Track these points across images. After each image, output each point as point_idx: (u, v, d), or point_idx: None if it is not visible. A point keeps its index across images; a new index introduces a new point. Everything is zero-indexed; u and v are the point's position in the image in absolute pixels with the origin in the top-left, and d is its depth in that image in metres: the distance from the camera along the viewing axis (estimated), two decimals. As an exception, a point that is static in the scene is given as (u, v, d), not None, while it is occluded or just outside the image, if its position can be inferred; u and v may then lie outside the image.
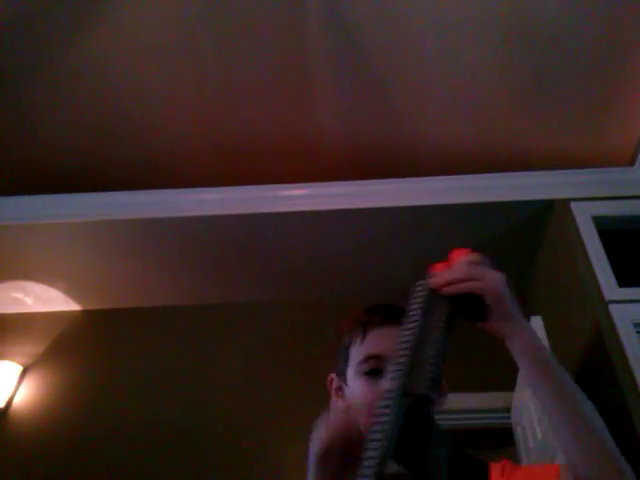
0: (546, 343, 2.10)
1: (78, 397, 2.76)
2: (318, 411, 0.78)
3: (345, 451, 0.69)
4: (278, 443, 2.44)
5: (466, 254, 0.81)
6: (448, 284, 0.72)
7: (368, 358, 0.89)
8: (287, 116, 2.55)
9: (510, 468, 0.88)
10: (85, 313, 3.08)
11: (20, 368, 2.84)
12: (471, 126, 2.58)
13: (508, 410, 2.53)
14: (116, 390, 2.76)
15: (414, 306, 0.70)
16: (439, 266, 0.78)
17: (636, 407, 1.89)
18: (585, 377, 2.27)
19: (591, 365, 2.22)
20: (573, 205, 2.48)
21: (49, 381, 2.83)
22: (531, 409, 2.23)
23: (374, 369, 0.88)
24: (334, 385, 0.96)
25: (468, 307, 0.73)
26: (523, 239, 2.69)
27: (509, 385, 2.47)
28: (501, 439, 2.84)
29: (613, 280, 2.22)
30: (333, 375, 0.99)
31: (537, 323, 2.18)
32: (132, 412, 2.67)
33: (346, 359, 0.94)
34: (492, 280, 0.74)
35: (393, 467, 0.55)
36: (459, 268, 0.74)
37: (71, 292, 2.99)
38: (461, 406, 2.51)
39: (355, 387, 0.89)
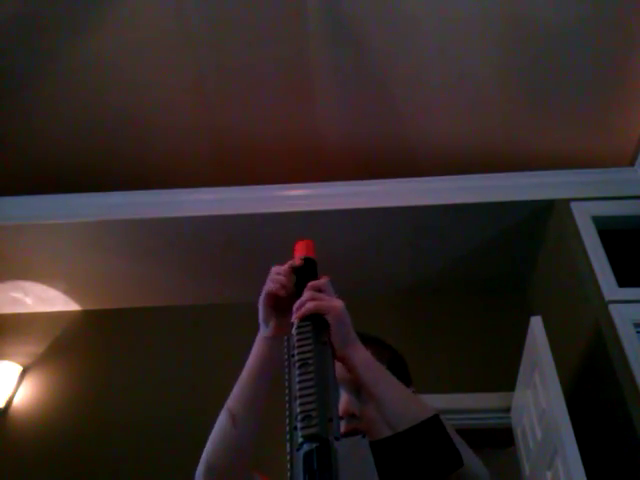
0: (546, 343, 2.10)
1: (78, 397, 2.76)
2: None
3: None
4: (277, 443, 2.43)
5: (305, 246, 0.91)
6: (297, 309, 0.78)
7: None
8: (287, 116, 2.55)
9: None
10: (85, 313, 3.08)
11: (20, 368, 2.84)
12: (471, 126, 2.58)
13: (508, 410, 2.53)
14: (116, 390, 2.76)
15: (306, 347, 0.72)
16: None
17: (636, 407, 1.89)
18: (585, 377, 2.27)
19: (591, 365, 2.22)
20: (573, 205, 2.48)
21: (49, 381, 2.83)
22: (531, 409, 2.23)
23: None
24: None
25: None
26: (523, 239, 2.69)
27: (509, 385, 2.47)
28: (501, 439, 2.84)
29: (613, 280, 2.22)
30: None
31: (537, 323, 2.18)
32: (132, 412, 2.67)
33: None
34: (333, 302, 0.79)
35: None
36: (305, 294, 0.81)
37: (71, 292, 2.99)
38: (461, 406, 2.51)
39: None
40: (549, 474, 2.03)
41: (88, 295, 3.02)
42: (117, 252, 2.77)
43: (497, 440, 2.92)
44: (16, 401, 2.77)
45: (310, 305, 0.77)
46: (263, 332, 0.89)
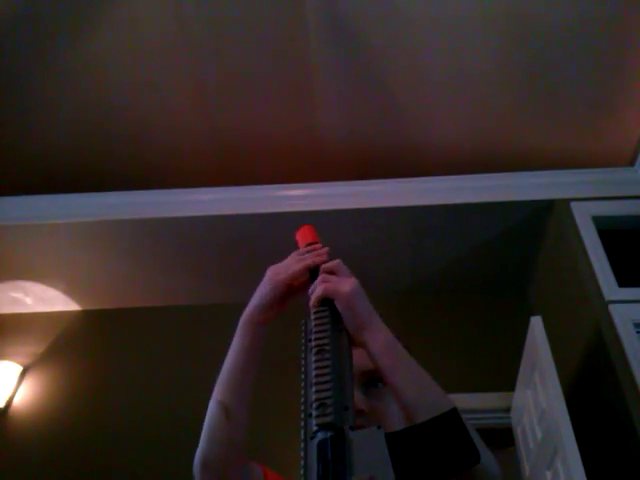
0: (546, 343, 2.10)
1: (78, 397, 2.76)
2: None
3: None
4: (278, 443, 2.43)
5: (308, 231, 0.90)
6: (311, 294, 0.77)
7: None
8: (287, 116, 2.55)
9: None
10: (85, 313, 3.08)
11: (20, 368, 2.83)
12: (471, 126, 2.58)
13: (508, 410, 2.53)
14: (116, 390, 2.76)
15: (323, 334, 0.71)
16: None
17: (636, 407, 1.89)
18: (585, 377, 2.27)
19: (591, 365, 2.23)
20: (573, 205, 2.48)
21: (49, 381, 2.83)
22: (531, 409, 2.22)
23: None
24: None
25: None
26: (523, 239, 2.69)
27: (509, 385, 2.47)
28: (501, 439, 2.84)
29: (613, 280, 2.22)
30: None
31: (537, 323, 2.18)
32: (131, 412, 2.67)
33: None
34: (341, 286, 0.77)
35: None
36: (318, 278, 0.79)
37: (71, 292, 2.99)
38: (461, 406, 2.50)
39: None
40: (549, 474, 2.03)
41: (88, 295, 3.02)
42: (117, 252, 2.77)
43: (497, 440, 2.92)
44: (16, 401, 2.77)
45: (317, 292, 0.76)
46: (254, 317, 0.85)
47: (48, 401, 2.77)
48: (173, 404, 2.64)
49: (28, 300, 3.01)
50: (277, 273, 0.85)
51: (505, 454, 2.93)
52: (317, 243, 0.89)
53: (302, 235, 0.91)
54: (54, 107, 2.52)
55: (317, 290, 0.76)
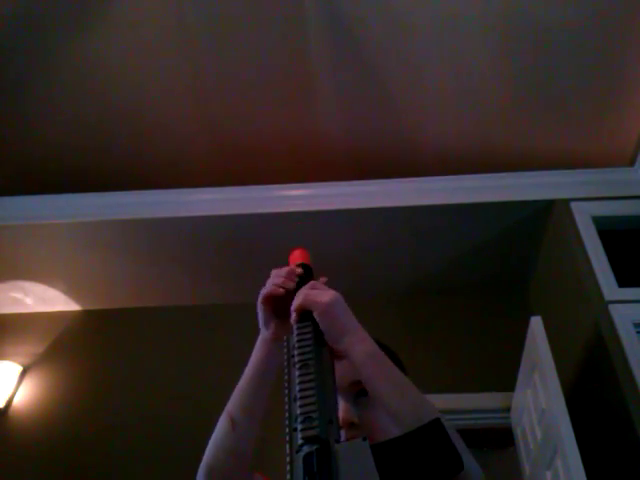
0: (546, 343, 2.10)
1: (78, 397, 2.76)
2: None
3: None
4: (277, 443, 2.43)
5: (301, 253, 0.92)
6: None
7: None
8: (287, 116, 2.55)
9: None
10: (85, 313, 3.08)
11: (20, 368, 2.84)
12: (471, 126, 2.58)
13: (508, 410, 2.53)
14: (115, 390, 2.76)
15: (306, 349, 0.72)
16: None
17: (636, 407, 1.89)
18: (585, 377, 2.27)
19: (591, 365, 2.23)
20: (573, 205, 2.48)
21: (49, 381, 2.83)
22: (531, 409, 2.23)
23: None
24: None
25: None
26: (523, 239, 2.69)
27: (509, 385, 2.47)
28: (501, 439, 2.84)
29: (613, 280, 2.22)
30: None
31: (537, 323, 2.18)
32: (131, 412, 2.67)
33: None
34: (319, 296, 0.78)
35: None
36: (298, 294, 0.80)
37: (71, 292, 2.99)
38: (461, 406, 2.51)
39: None
40: (549, 474, 2.03)
41: (88, 295, 3.02)
42: (117, 252, 2.77)
43: (497, 440, 2.92)
44: (16, 401, 2.77)
45: (295, 303, 0.78)
46: (263, 335, 0.89)
47: (48, 401, 2.77)
48: (172, 404, 2.64)
49: (28, 300, 3.01)
50: (261, 292, 0.87)
51: (505, 454, 2.94)
52: (307, 265, 0.90)
53: (293, 259, 0.93)
54: (54, 107, 2.52)
55: (295, 301, 0.78)
